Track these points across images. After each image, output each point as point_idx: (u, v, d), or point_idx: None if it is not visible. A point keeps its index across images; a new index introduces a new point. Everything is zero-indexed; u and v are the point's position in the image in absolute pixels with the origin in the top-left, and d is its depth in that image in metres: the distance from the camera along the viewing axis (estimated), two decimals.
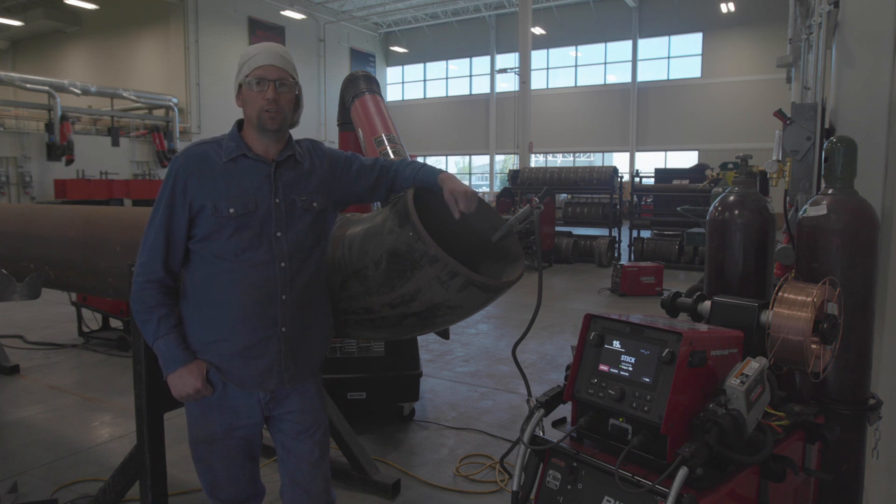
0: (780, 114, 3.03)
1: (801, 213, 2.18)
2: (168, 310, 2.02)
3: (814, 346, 1.86)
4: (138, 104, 23.45)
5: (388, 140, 4.18)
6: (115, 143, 21.73)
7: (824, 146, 2.22)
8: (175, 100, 23.64)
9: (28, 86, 20.39)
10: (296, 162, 2.10)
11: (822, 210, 2.08)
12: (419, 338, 4.80)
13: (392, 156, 4.03)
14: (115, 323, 6.90)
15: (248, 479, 2.19)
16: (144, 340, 2.58)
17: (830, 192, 2.13)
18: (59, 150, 19.60)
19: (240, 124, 2.12)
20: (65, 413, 4.69)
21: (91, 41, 27.39)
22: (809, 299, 1.85)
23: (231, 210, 1.99)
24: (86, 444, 4.17)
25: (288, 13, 26.81)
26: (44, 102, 20.17)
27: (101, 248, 3.02)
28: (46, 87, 20.37)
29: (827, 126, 2.90)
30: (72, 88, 21.52)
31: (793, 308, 1.87)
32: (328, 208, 2.17)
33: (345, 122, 4.82)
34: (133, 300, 2.02)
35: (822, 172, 2.21)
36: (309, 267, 2.10)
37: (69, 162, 19.68)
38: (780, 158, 3.11)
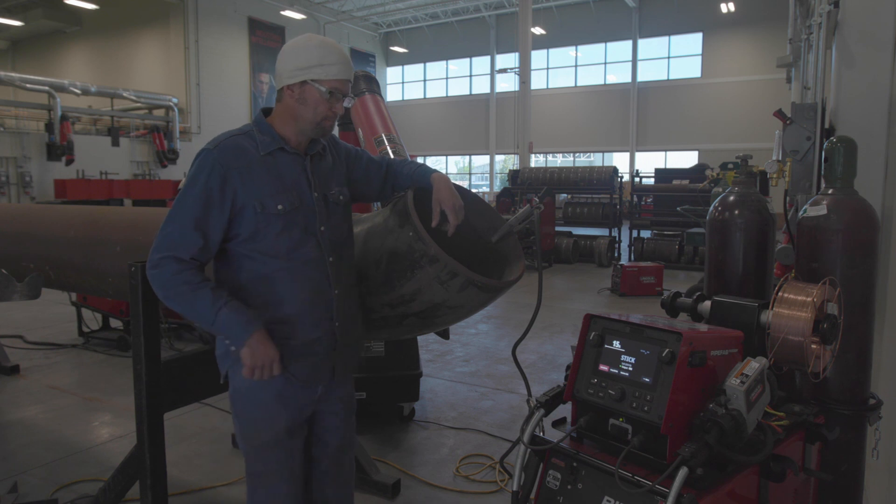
0: (780, 114, 3.02)
1: (801, 213, 2.18)
2: (214, 283, 1.90)
3: (814, 346, 1.86)
4: (138, 104, 23.46)
5: (388, 140, 4.18)
6: (115, 143, 21.75)
7: (824, 146, 2.22)
8: (175, 100, 23.65)
9: (28, 86, 20.40)
10: (321, 155, 2.07)
11: (822, 210, 2.08)
12: (419, 338, 4.80)
13: (392, 156, 4.03)
14: (115, 323, 6.90)
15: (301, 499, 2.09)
16: (145, 341, 2.59)
17: (830, 192, 2.13)
18: (59, 150, 19.61)
19: (264, 112, 2.02)
20: (65, 413, 4.69)
21: (91, 41, 27.40)
22: (809, 299, 1.85)
23: (279, 207, 1.91)
24: (86, 444, 4.17)
25: (288, 13, 26.81)
26: (44, 102, 20.19)
27: (101, 248, 3.02)
28: (46, 87, 20.39)
29: (827, 126, 2.90)
30: (72, 88, 21.53)
31: (793, 308, 1.87)
32: (350, 201, 2.15)
33: (345, 121, 4.83)
34: (167, 286, 1.85)
35: (822, 172, 2.21)
36: (348, 259, 2.09)
37: (69, 162, 19.69)
38: (780, 158, 3.11)
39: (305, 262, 1.96)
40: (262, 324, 1.89)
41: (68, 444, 4.14)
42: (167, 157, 23.11)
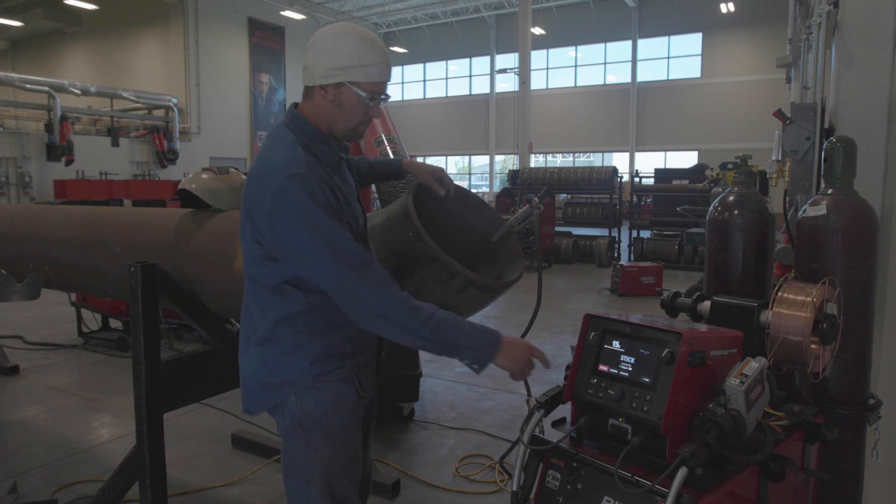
0: (779, 114, 3.02)
1: (800, 213, 2.18)
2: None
3: (813, 346, 1.86)
4: (138, 104, 23.48)
5: (388, 140, 4.18)
6: (115, 144, 21.77)
7: (824, 146, 2.21)
8: (175, 100, 23.67)
9: (28, 86, 20.41)
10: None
11: (821, 210, 2.08)
12: None
13: (392, 156, 4.03)
14: (115, 323, 6.90)
15: None
16: (145, 341, 2.59)
17: (830, 192, 2.13)
18: (58, 150, 19.63)
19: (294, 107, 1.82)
20: (64, 413, 4.69)
21: (91, 41, 27.42)
22: (809, 299, 1.85)
23: (360, 222, 1.80)
24: (85, 444, 4.17)
25: (288, 13, 26.82)
26: (43, 103, 20.21)
27: (101, 248, 3.02)
28: (46, 88, 20.40)
29: (826, 126, 2.90)
30: (71, 89, 21.54)
31: (792, 308, 1.87)
32: None
33: None
34: (411, 317, 1.66)
35: (822, 172, 2.21)
36: None
37: (69, 162, 19.71)
38: (780, 158, 3.11)
39: None
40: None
41: (68, 444, 4.14)
42: (167, 157, 23.13)
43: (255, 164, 1.76)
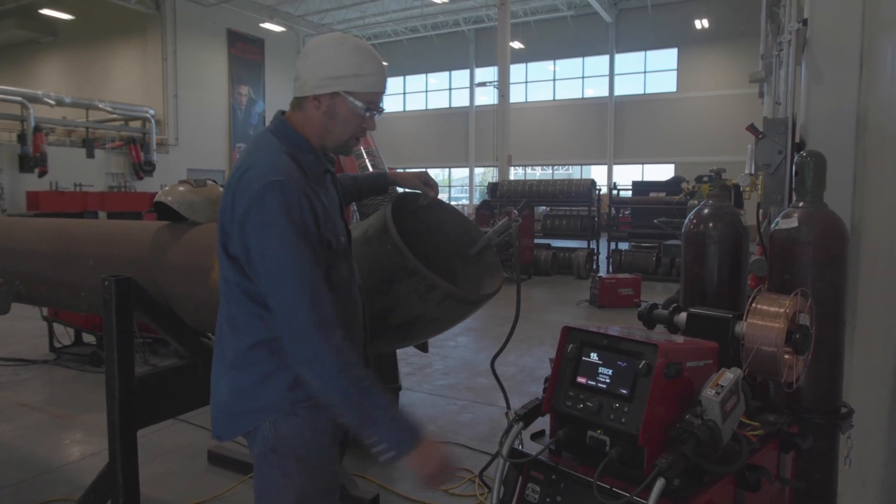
0: (752, 128, 3.08)
1: (773, 225, 2.22)
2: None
3: (787, 357, 1.88)
4: (114, 115, 23.16)
5: (367, 153, 4.19)
6: (90, 155, 21.43)
7: (795, 160, 2.26)
8: (152, 111, 23.41)
9: (0, 96, 20.03)
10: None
11: (793, 222, 2.12)
12: (398, 351, 4.77)
13: (371, 169, 4.03)
14: (88, 338, 6.76)
15: None
16: (119, 356, 2.55)
17: (801, 204, 2.17)
18: (31, 161, 19.27)
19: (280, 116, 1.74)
20: (34, 431, 4.57)
21: (66, 52, 27.06)
22: (782, 310, 1.88)
23: (342, 238, 1.72)
24: (56, 462, 4.06)
25: (267, 26, 26.77)
26: (17, 113, 19.83)
27: (74, 261, 2.97)
28: (19, 98, 20.02)
29: (797, 140, 2.96)
30: (46, 99, 21.19)
31: (766, 319, 1.90)
32: None
33: None
34: (340, 370, 1.55)
35: (794, 186, 2.25)
36: None
37: (42, 174, 19.35)
38: (753, 172, 3.17)
39: (356, 292, 1.83)
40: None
41: (38, 462, 4.04)
42: (143, 169, 22.83)
43: (235, 169, 1.66)
